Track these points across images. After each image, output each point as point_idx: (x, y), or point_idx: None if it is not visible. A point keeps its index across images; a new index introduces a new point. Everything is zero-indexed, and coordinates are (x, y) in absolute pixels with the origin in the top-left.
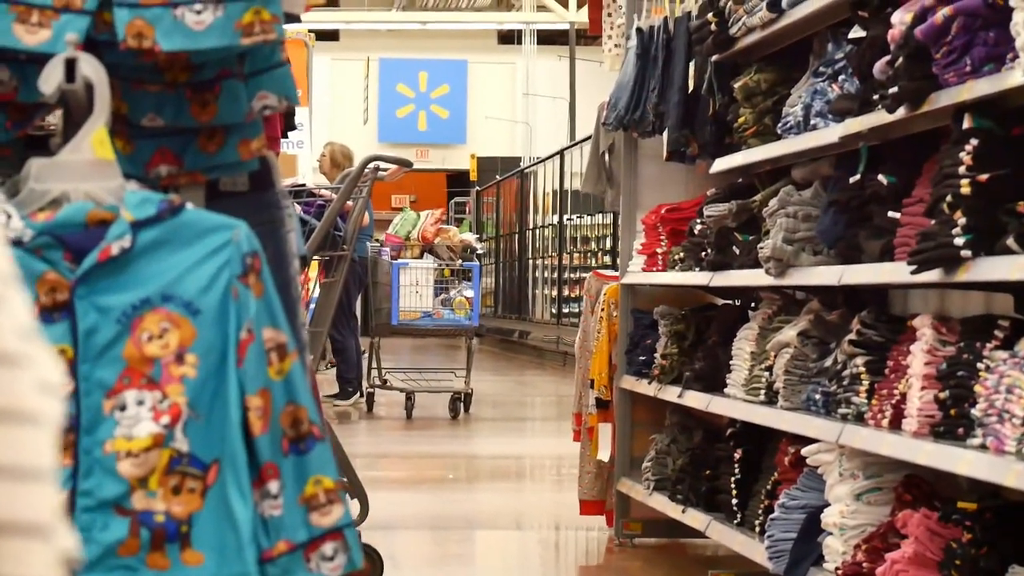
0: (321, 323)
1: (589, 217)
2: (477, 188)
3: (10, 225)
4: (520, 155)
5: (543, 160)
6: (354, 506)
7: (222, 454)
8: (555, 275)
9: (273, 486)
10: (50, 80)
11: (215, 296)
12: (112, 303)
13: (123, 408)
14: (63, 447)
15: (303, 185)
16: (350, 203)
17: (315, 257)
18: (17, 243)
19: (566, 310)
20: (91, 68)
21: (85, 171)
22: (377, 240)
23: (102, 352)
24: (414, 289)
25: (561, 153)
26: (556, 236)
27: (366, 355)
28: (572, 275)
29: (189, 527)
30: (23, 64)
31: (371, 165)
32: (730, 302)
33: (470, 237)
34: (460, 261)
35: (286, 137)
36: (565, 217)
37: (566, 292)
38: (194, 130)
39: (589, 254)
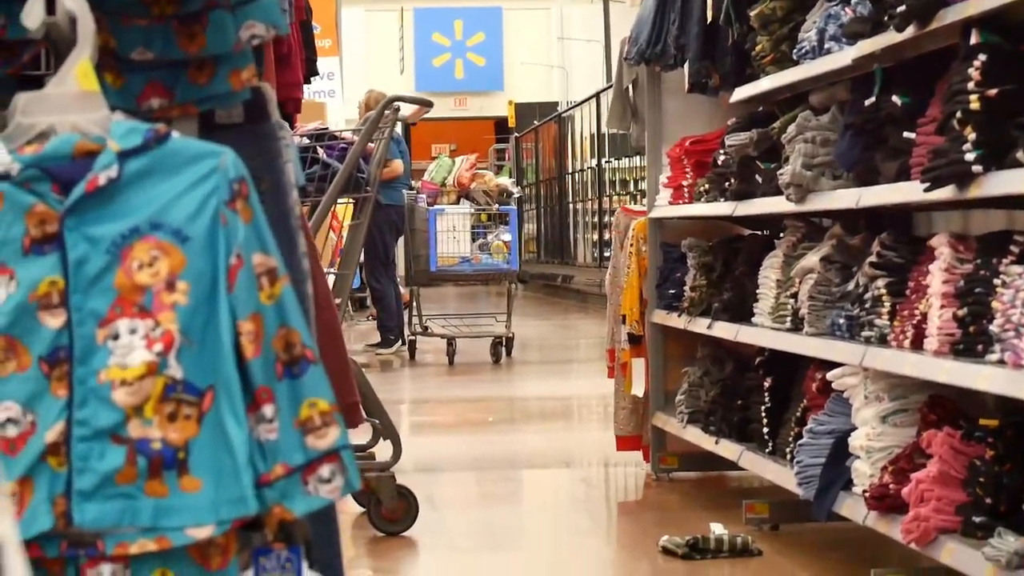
0: (347, 266)
1: (627, 159)
2: (516, 134)
3: None
4: (557, 100)
5: (579, 104)
6: (387, 448)
7: (216, 380)
8: (595, 219)
9: (268, 410)
10: (32, 14)
11: (204, 223)
12: (101, 233)
13: (116, 337)
14: (57, 378)
15: (325, 128)
16: (372, 145)
17: (341, 201)
18: (5, 177)
19: (607, 253)
20: (72, 0)
21: (71, 103)
22: (413, 187)
23: (93, 282)
24: (451, 235)
25: (597, 96)
26: (595, 180)
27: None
28: (612, 218)
29: (186, 454)
30: (9, 2)
31: (391, 106)
32: (757, 232)
33: (506, 181)
34: (497, 205)
35: (308, 83)
36: (603, 160)
37: (607, 235)
38: (184, 62)
39: (628, 196)
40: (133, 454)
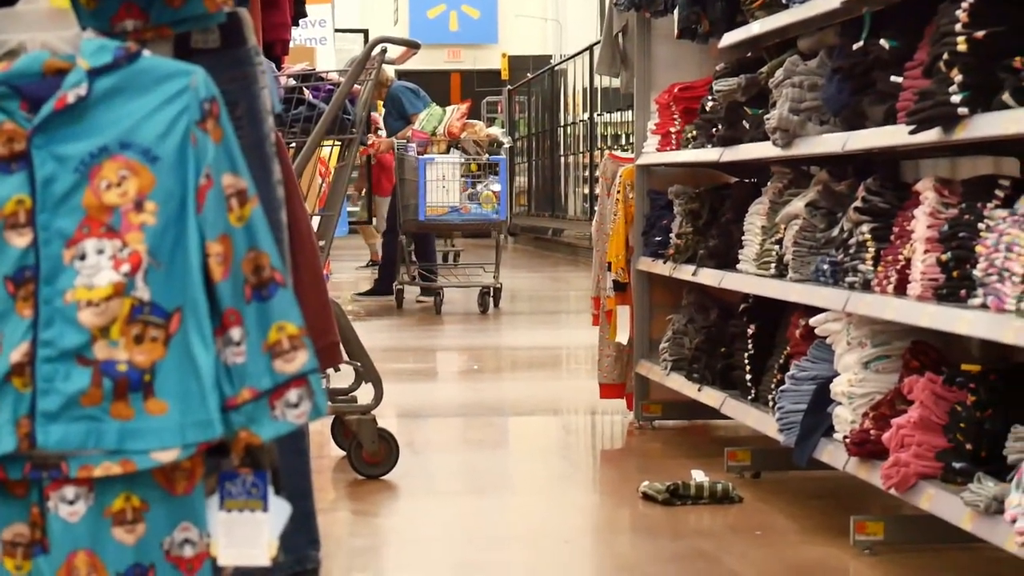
0: (332, 207)
1: (620, 113)
2: (509, 87)
3: None
4: (551, 53)
5: (572, 57)
6: (369, 391)
7: (184, 302)
8: (587, 172)
9: (235, 333)
10: None
11: (173, 142)
12: (70, 152)
13: (83, 257)
14: (23, 298)
15: (312, 70)
16: (358, 87)
17: (327, 144)
18: None
19: (597, 206)
20: None
21: (41, 21)
22: (404, 137)
23: (61, 201)
24: (441, 184)
25: (591, 49)
26: (587, 133)
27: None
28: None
29: (152, 376)
30: None
31: (378, 48)
32: (745, 180)
33: (496, 131)
34: (487, 155)
35: (296, 24)
36: (595, 114)
37: (597, 189)
38: None
39: (620, 150)
40: (99, 376)
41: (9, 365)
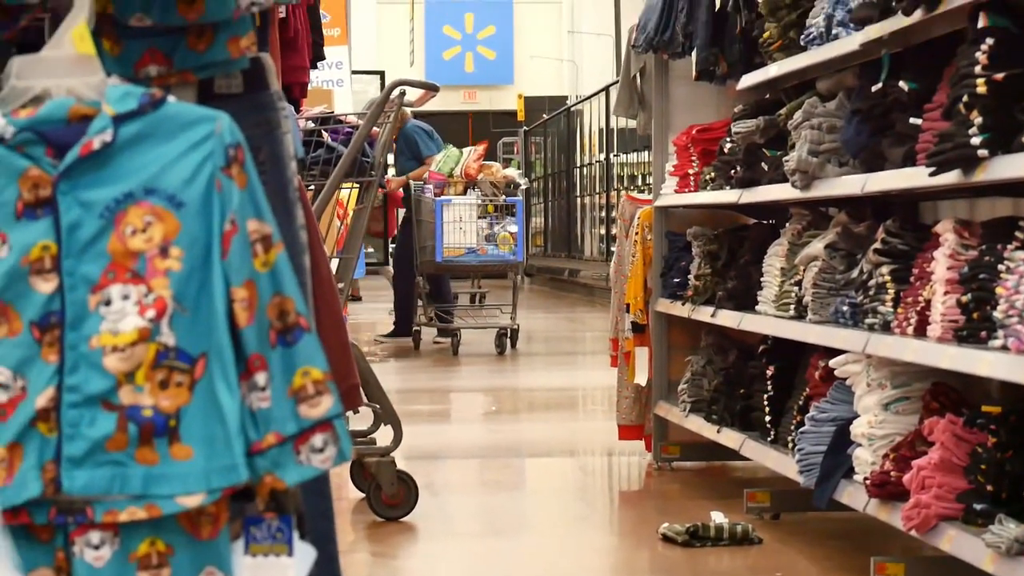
0: (351, 249)
1: (636, 154)
2: (525, 128)
3: None
4: (567, 94)
5: (588, 98)
6: (387, 433)
7: (209, 347)
8: (603, 213)
9: (260, 378)
10: None
11: (198, 188)
12: (95, 197)
13: (108, 303)
14: (48, 343)
15: (330, 112)
16: (376, 129)
17: (346, 186)
18: None
19: (615, 248)
20: None
21: (66, 67)
22: (419, 178)
23: (86, 247)
24: (458, 225)
25: (607, 90)
26: (603, 174)
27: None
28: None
29: (177, 421)
30: None
31: (397, 90)
32: (763, 221)
33: (513, 172)
34: (503, 196)
35: (315, 67)
36: (612, 154)
37: (614, 230)
38: (182, 29)
39: (636, 191)
40: (124, 421)
41: (35, 410)
